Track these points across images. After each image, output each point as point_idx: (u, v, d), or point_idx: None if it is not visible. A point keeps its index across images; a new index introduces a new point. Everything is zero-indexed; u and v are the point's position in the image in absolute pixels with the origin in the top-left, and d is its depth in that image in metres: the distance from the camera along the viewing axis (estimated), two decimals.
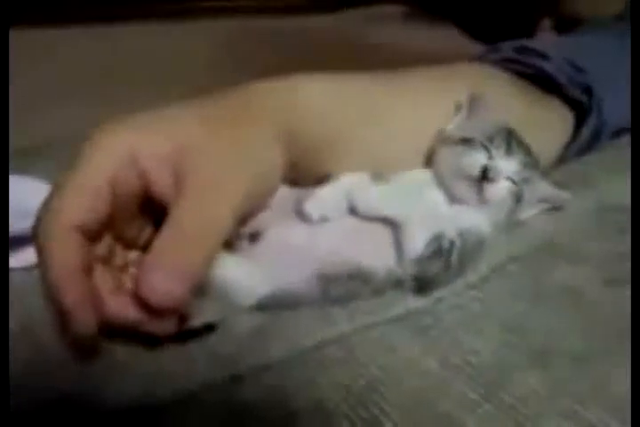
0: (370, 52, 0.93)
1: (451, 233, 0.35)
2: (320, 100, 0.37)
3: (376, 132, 0.38)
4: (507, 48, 0.49)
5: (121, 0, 1.10)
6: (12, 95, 0.42)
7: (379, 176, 0.37)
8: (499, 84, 0.45)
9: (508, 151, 0.37)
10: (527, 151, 0.38)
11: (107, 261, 0.32)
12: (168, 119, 0.32)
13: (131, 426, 0.29)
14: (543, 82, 0.47)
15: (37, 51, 0.86)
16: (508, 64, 0.47)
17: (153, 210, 0.33)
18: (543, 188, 0.40)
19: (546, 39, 0.73)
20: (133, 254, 0.34)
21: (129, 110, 0.32)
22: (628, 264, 0.35)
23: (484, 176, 0.36)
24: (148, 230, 0.34)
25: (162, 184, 0.31)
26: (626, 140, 0.48)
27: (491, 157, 0.36)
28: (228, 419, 0.30)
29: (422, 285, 0.36)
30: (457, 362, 0.33)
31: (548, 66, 0.46)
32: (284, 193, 0.37)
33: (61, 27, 0.99)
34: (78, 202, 0.29)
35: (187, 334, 0.32)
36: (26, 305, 0.35)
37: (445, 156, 0.38)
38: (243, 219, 0.33)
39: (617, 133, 0.50)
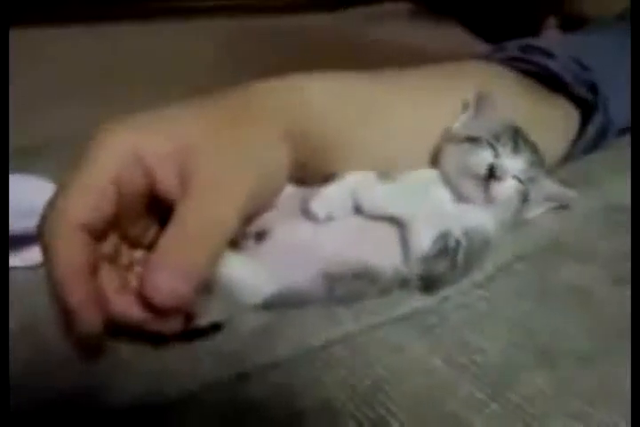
0: (370, 50, 0.93)
1: (457, 232, 0.35)
2: (320, 99, 0.36)
3: (375, 131, 0.38)
4: (512, 47, 0.49)
5: (121, 0, 1.10)
6: (12, 95, 0.42)
7: (385, 175, 0.37)
8: (505, 82, 0.45)
9: (515, 150, 0.37)
10: (533, 150, 0.38)
11: (112, 259, 0.32)
12: (168, 119, 0.32)
13: (135, 425, 0.29)
14: (549, 80, 0.47)
15: (37, 51, 0.86)
16: (513, 62, 0.47)
17: (158, 209, 0.33)
18: (549, 186, 0.40)
19: (551, 38, 0.74)
20: (139, 253, 0.34)
21: (129, 110, 0.32)
22: None
23: (491, 175, 0.35)
24: (153, 229, 0.34)
25: (167, 183, 0.31)
26: (627, 140, 0.48)
27: (497, 156, 0.36)
28: (233, 417, 0.29)
29: (428, 284, 0.36)
30: (463, 361, 0.33)
31: (553, 64, 0.46)
32: (290, 192, 0.36)
33: (61, 27, 0.99)
34: (84, 201, 0.29)
35: (193, 333, 0.32)
36: (30, 304, 0.34)
37: (452, 154, 0.38)
38: (248, 218, 0.33)
39: (623, 132, 0.50)
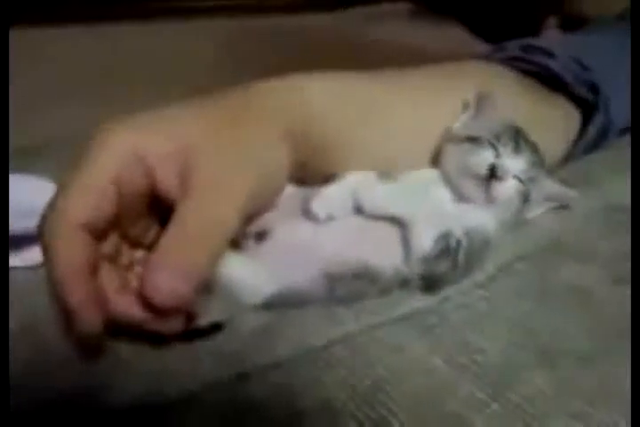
0: (370, 50, 0.93)
1: (457, 232, 0.35)
2: (320, 99, 0.36)
3: (375, 131, 0.38)
4: (512, 47, 0.49)
5: (121, 0, 1.10)
6: (12, 95, 0.42)
7: (385, 175, 0.37)
8: (505, 82, 0.45)
9: (516, 150, 0.37)
10: (534, 150, 0.38)
11: (113, 259, 0.32)
12: (168, 119, 0.32)
13: (135, 425, 0.29)
14: (549, 80, 0.47)
15: (37, 51, 0.86)
16: (513, 62, 0.47)
17: (159, 209, 0.33)
18: (550, 186, 0.40)
19: (551, 38, 0.74)
20: (139, 253, 0.34)
21: (129, 110, 0.32)
22: None
23: (492, 175, 0.35)
24: (154, 229, 0.34)
25: (167, 183, 0.31)
26: (628, 140, 0.48)
27: (498, 156, 0.36)
28: (233, 417, 0.29)
29: (429, 284, 0.36)
30: (463, 361, 0.33)
31: (553, 64, 0.46)
32: (291, 192, 0.36)
33: (61, 26, 0.99)
34: (84, 201, 0.29)
35: (193, 333, 0.32)
36: (30, 304, 0.34)
37: (452, 154, 0.38)
38: (249, 218, 0.33)
39: (623, 132, 0.50)
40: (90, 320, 0.28)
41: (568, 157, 0.49)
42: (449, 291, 0.37)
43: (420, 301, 0.36)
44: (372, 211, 0.36)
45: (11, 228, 0.35)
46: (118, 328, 0.30)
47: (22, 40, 0.69)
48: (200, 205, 0.29)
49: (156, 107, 0.33)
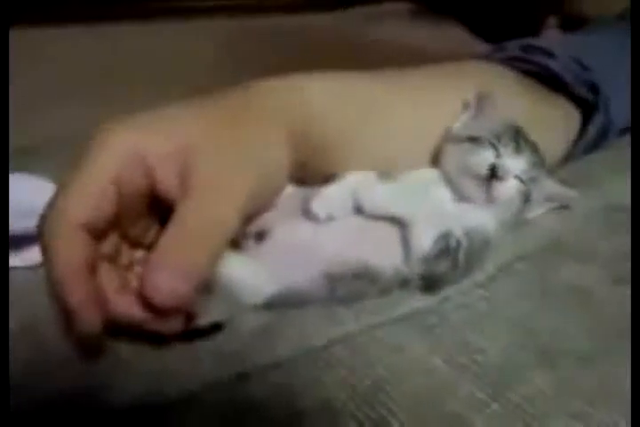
0: (370, 50, 0.93)
1: (457, 232, 0.35)
2: (320, 99, 0.37)
3: (375, 131, 0.38)
4: (513, 46, 0.49)
5: (121, 0, 1.10)
6: (12, 95, 0.42)
7: (385, 175, 0.37)
8: (505, 82, 0.45)
9: (517, 150, 0.37)
10: (534, 150, 0.38)
11: (113, 259, 0.32)
12: (168, 119, 0.32)
13: (135, 425, 0.29)
14: (549, 80, 0.47)
15: (37, 51, 0.86)
16: (513, 62, 0.47)
17: (159, 209, 0.32)
18: (550, 186, 0.40)
19: (551, 38, 0.74)
20: (139, 253, 0.34)
21: (129, 110, 0.32)
22: None
23: (493, 175, 0.36)
24: (154, 229, 0.34)
25: (167, 183, 0.31)
26: (628, 140, 0.48)
27: (499, 156, 0.36)
28: (233, 417, 0.29)
29: (429, 284, 0.36)
30: (463, 361, 0.33)
31: (553, 64, 0.46)
32: (291, 192, 0.36)
33: (61, 27, 0.99)
34: (84, 201, 0.29)
35: (193, 333, 0.32)
36: (30, 304, 0.34)
37: (453, 154, 0.38)
38: (248, 218, 0.33)
39: (623, 132, 0.50)
40: (89, 320, 0.28)
41: (568, 157, 0.49)
42: (449, 291, 0.37)
43: (419, 301, 0.36)
44: (372, 211, 0.36)
45: (11, 228, 0.35)
46: (118, 328, 0.30)
47: (22, 40, 0.69)
48: (200, 205, 0.29)
49: (156, 107, 0.33)
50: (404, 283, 0.36)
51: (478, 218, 0.37)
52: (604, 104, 0.47)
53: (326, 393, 0.30)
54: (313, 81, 0.37)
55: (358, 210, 0.36)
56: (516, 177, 0.36)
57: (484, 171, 0.36)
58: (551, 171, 0.42)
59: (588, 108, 0.48)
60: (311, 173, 0.37)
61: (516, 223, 0.39)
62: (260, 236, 0.35)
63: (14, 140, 0.38)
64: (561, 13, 0.84)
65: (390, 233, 0.35)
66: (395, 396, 0.30)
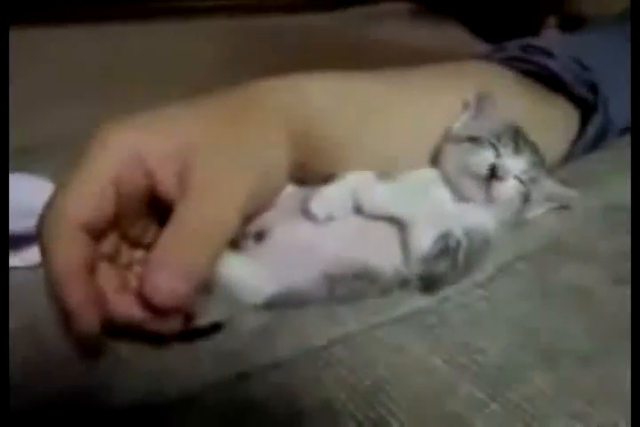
0: (370, 50, 0.93)
1: (457, 232, 0.35)
2: (320, 99, 0.37)
3: (375, 131, 0.38)
4: (512, 46, 0.49)
5: (121, 0, 1.10)
6: (12, 95, 0.42)
7: (385, 175, 0.37)
8: (505, 82, 0.45)
9: (516, 150, 0.37)
10: (534, 150, 0.38)
11: (112, 259, 0.32)
12: (168, 119, 0.32)
13: (135, 425, 0.29)
14: (549, 80, 0.47)
15: (37, 51, 0.86)
16: (513, 62, 0.47)
17: (158, 209, 0.32)
18: (550, 186, 0.40)
19: (551, 38, 0.74)
20: (139, 253, 0.34)
21: (129, 110, 0.32)
22: None
23: (493, 175, 0.36)
24: (153, 229, 0.34)
25: (167, 183, 0.31)
26: (628, 140, 0.48)
27: (499, 156, 0.36)
28: (233, 417, 0.29)
29: (429, 284, 0.36)
30: (463, 361, 0.32)
31: (553, 64, 0.46)
32: (290, 192, 0.37)
33: (61, 27, 0.99)
34: (83, 201, 0.29)
35: (193, 333, 0.32)
36: (30, 304, 0.34)
37: (452, 154, 0.38)
38: (248, 218, 0.33)
39: (623, 131, 0.50)
40: (88, 320, 0.28)
41: (568, 157, 0.49)
42: (449, 291, 0.37)
43: (419, 301, 0.36)
44: (372, 211, 0.36)
45: (11, 228, 0.35)
46: (118, 328, 0.30)
47: (22, 40, 0.69)
48: (200, 205, 0.29)
49: (156, 107, 0.33)
50: (403, 283, 0.36)
51: (478, 218, 0.37)
52: (604, 104, 0.47)
53: (326, 393, 0.30)
54: (313, 81, 0.37)
55: (358, 210, 0.36)
56: (516, 177, 0.36)
57: (484, 171, 0.36)
58: (551, 171, 0.42)
59: (587, 108, 0.48)
60: (311, 172, 0.37)
61: (516, 223, 0.39)
62: (260, 236, 0.35)
63: (14, 140, 0.38)
64: (560, 13, 0.84)
65: (390, 233, 0.35)
66: (394, 396, 0.30)
